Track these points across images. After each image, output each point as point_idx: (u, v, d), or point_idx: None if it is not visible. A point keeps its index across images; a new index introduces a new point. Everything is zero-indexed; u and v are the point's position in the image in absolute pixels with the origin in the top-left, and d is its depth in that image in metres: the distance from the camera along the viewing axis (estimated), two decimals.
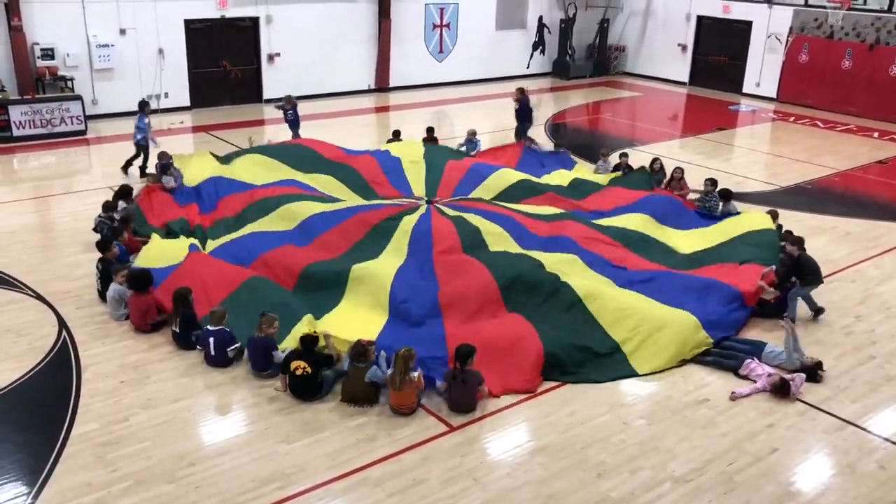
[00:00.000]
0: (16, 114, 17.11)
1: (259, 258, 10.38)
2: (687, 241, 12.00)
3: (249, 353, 8.61)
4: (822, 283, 10.30)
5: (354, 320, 9.20)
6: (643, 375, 8.79)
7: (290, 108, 16.91)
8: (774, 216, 12.27)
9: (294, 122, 17.01)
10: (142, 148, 14.92)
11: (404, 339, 8.60)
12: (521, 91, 17.48)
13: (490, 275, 9.81)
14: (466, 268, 10.05)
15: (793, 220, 13.23)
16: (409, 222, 11.12)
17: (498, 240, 10.97)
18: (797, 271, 10.18)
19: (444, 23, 25.03)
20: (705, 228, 12.48)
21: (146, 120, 14.84)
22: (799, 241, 10.40)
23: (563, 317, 9.34)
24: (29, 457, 7.18)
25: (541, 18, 27.15)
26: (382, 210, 11.58)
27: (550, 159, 15.80)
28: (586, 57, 28.40)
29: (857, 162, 18.02)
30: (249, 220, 11.72)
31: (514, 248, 10.84)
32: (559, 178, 14.48)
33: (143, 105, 15.09)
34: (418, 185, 13.64)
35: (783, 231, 11.93)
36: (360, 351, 8.02)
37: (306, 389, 8.11)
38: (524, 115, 17.41)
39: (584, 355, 8.87)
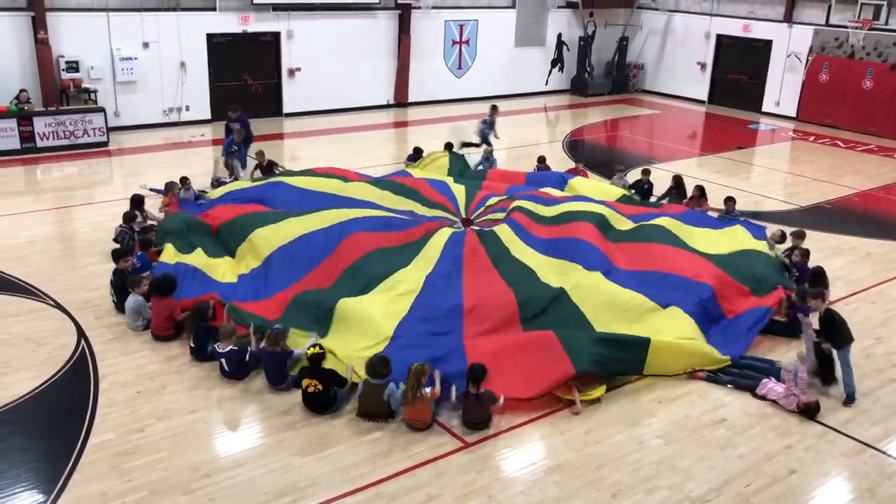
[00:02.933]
0: (40, 125, 17.33)
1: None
2: (705, 239, 12.05)
3: (264, 366, 8.63)
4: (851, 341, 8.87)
5: (368, 319, 9.27)
6: (648, 376, 8.89)
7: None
8: (801, 236, 11.97)
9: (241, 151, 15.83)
10: (483, 141, 18.09)
11: (420, 343, 8.74)
12: (234, 110, 16.26)
13: (514, 300, 9.81)
14: (493, 288, 10.10)
15: (813, 240, 13.10)
16: (444, 234, 11.33)
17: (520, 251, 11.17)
18: (830, 333, 8.84)
19: (463, 39, 25.16)
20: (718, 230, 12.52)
21: (489, 120, 18.12)
22: (822, 295, 9.23)
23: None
24: (46, 465, 7.22)
25: (560, 36, 27.26)
26: (421, 227, 11.71)
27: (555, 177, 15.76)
28: (605, 74, 28.44)
29: (878, 182, 17.88)
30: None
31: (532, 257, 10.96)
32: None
33: (494, 109, 18.42)
34: (460, 195, 13.72)
35: (794, 250, 11.82)
36: (379, 366, 8.00)
37: (319, 405, 8.14)
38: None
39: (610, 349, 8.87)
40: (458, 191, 13.73)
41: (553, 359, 8.52)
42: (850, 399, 8.71)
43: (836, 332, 8.79)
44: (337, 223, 11.32)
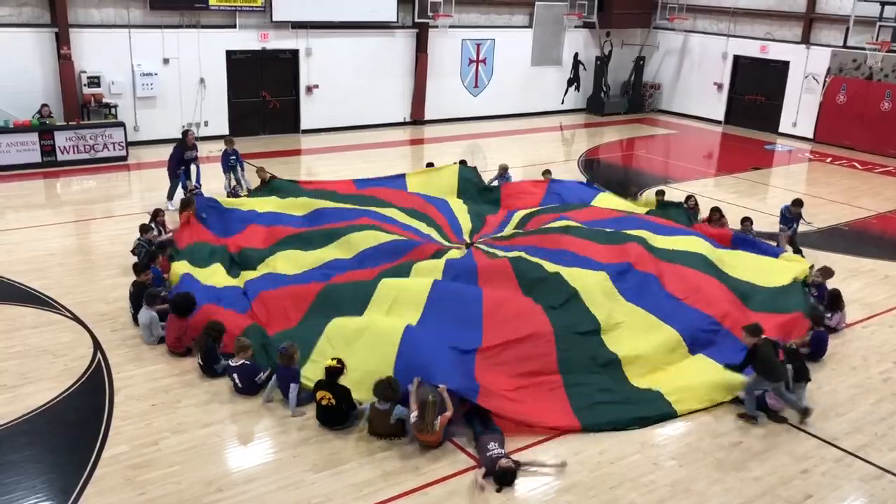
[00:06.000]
0: (61, 139, 17.56)
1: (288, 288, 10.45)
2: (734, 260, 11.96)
3: (279, 382, 8.63)
4: (782, 381, 8.57)
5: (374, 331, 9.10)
6: (682, 416, 8.62)
7: (231, 152, 15.56)
8: (828, 274, 11.65)
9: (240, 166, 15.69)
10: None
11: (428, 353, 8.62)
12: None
13: (544, 315, 9.64)
14: (514, 303, 9.91)
15: (829, 262, 12.99)
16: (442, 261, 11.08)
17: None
18: (755, 365, 8.58)
19: (480, 58, 25.29)
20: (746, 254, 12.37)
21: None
22: (755, 330, 8.66)
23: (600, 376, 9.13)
24: (60, 477, 7.26)
25: (576, 55, 27.35)
26: (424, 248, 11.60)
27: (577, 190, 15.71)
28: (621, 94, 28.48)
29: (895, 204, 17.75)
30: (281, 250, 11.75)
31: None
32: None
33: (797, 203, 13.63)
34: (464, 221, 13.58)
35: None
36: (387, 390, 7.91)
37: (332, 419, 8.14)
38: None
39: (621, 405, 8.71)
40: (462, 217, 13.60)
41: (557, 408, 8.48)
42: (804, 413, 8.62)
43: (763, 365, 8.48)
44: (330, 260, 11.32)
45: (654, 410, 8.62)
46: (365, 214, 12.78)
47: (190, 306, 9.58)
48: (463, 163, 16.71)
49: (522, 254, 11.26)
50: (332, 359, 8.27)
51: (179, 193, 14.84)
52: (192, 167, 15.37)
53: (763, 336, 8.68)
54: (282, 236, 12.20)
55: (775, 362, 8.58)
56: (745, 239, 13.10)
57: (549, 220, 13.08)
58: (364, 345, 8.80)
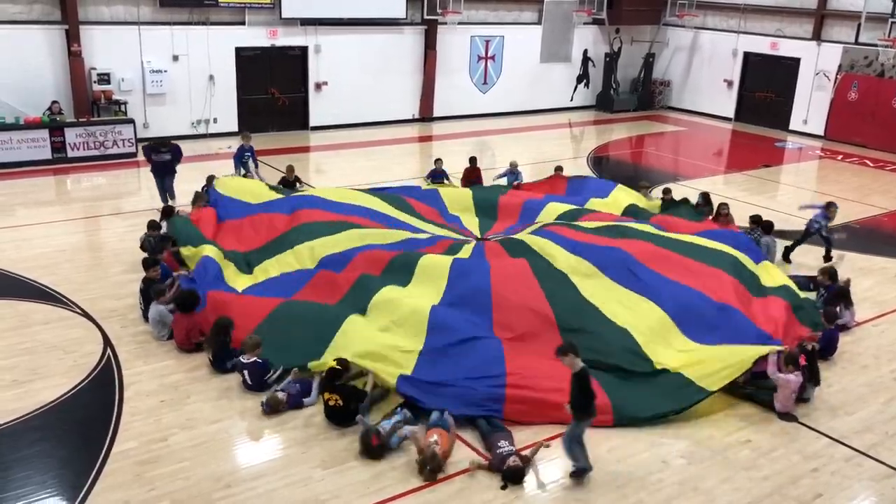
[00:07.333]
0: (71, 136, 17.63)
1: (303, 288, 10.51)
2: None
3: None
4: (588, 421, 7.22)
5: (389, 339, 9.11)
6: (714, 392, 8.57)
7: (247, 148, 15.51)
8: (833, 276, 11.37)
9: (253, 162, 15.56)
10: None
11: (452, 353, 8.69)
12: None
13: (550, 310, 9.66)
14: (523, 292, 9.90)
15: (838, 260, 12.97)
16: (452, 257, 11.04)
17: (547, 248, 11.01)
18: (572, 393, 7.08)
19: (489, 55, 25.25)
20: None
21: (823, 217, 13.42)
22: (567, 349, 6.96)
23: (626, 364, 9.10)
24: (70, 473, 7.29)
25: (585, 52, 27.28)
26: (435, 246, 11.56)
27: (594, 184, 15.65)
28: (630, 91, 28.40)
29: None
30: (289, 245, 11.70)
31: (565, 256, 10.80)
32: (610, 203, 14.34)
33: (830, 207, 13.34)
34: (472, 227, 13.52)
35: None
36: (378, 455, 7.68)
37: (340, 419, 8.15)
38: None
39: (651, 389, 8.72)
40: (472, 224, 13.56)
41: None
42: (577, 474, 7.39)
43: (582, 395, 7.03)
44: (351, 248, 11.28)
45: (688, 399, 8.53)
46: (368, 216, 12.78)
47: (194, 303, 9.60)
48: (473, 160, 16.70)
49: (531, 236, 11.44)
50: (334, 360, 8.32)
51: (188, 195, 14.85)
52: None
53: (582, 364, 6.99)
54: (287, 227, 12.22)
55: (592, 396, 7.10)
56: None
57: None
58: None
